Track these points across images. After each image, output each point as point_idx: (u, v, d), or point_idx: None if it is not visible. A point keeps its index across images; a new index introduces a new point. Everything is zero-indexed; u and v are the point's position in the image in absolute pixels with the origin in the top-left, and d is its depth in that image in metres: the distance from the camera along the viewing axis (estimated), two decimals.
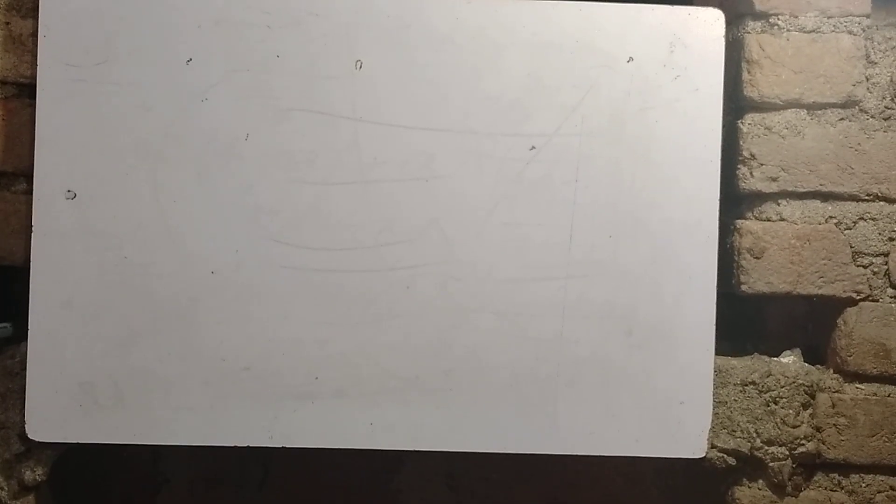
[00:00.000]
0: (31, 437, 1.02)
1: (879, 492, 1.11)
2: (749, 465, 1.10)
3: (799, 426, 1.09)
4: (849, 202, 1.11)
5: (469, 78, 1.05)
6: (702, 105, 1.06)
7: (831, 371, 1.12)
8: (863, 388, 1.11)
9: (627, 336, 1.06)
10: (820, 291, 1.10)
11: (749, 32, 1.10)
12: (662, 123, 1.06)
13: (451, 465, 1.15)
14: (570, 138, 1.05)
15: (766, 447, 1.09)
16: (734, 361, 1.11)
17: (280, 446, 1.04)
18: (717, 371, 1.08)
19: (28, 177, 1.03)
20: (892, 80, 1.11)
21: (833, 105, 1.10)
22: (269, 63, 1.03)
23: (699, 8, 1.07)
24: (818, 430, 1.10)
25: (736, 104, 1.11)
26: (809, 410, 1.10)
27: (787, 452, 1.09)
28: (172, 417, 1.03)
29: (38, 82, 1.02)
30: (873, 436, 1.11)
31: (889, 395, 1.11)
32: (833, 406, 1.11)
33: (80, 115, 1.02)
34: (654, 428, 1.06)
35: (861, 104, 1.11)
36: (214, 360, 1.04)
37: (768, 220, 1.10)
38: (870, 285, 1.11)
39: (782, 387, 1.10)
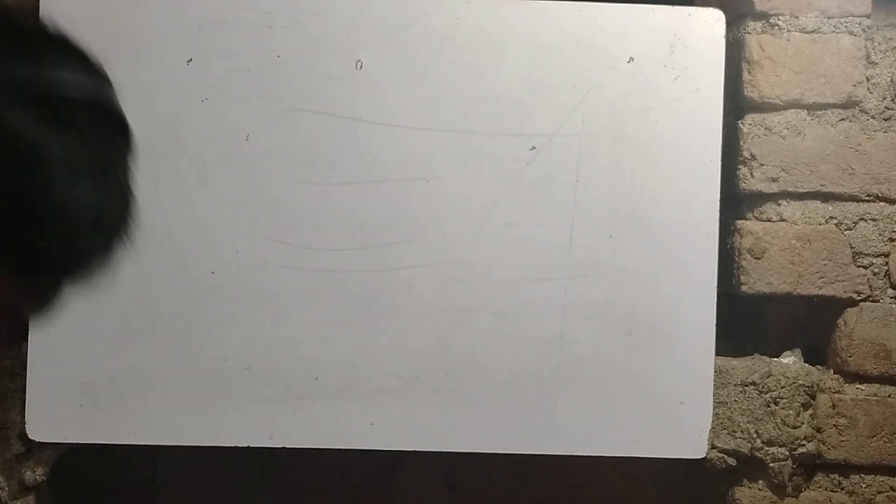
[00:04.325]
0: (31, 437, 1.02)
1: (880, 492, 1.11)
2: (749, 466, 1.10)
3: (799, 427, 1.09)
4: (849, 203, 1.10)
5: (469, 78, 1.05)
6: (702, 105, 1.06)
7: (831, 371, 1.12)
8: (863, 388, 1.11)
9: (627, 336, 1.06)
10: (820, 292, 1.10)
11: (749, 33, 1.10)
12: (663, 124, 1.06)
13: (451, 465, 1.15)
14: (571, 138, 1.05)
15: (767, 448, 1.09)
16: (734, 362, 1.10)
17: (280, 446, 1.04)
18: (718, 371, 1.08)
19: None
20: (892, 81, 1.11)
21: (833, 105, 1.10)
22: (270, 63, 1.03)
23: (699, 8, 1.07)
24: (818, 430, 1.10)
25: (736, 104, 1.11)
26: (810, 411, 1.10)
27: (788, 453, 1.09)
28: (172, 417, 1.03)
29: None
30: (873, 436, 1.10)
31: (889, 396, 1.11)
32: (833, 406, 1.11)
33: None
34: (655, 428, 1.06)
35: (861, 104, 1.10)
36: (214, 360, 1.04)
37: (769, 221, 1.10)
38: (870, 286, 1.11)
39: (782, 387, 1.09)
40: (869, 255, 1.10)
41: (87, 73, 0.64)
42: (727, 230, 1.11)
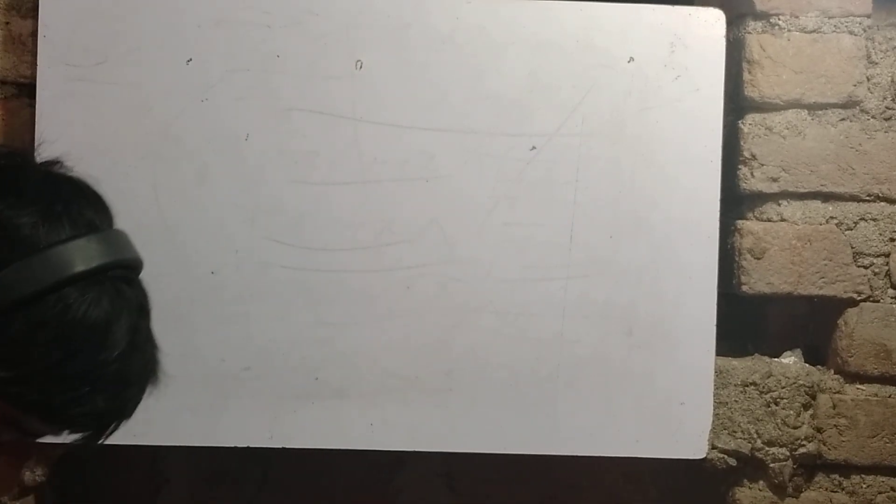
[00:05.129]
0: None
1: (880, 493, 1.11)
2: (750, 466, 1.10)
3: (800, 427, 1.09)
4: (850, 202, 1.10)
5: (469, 78, 1.05)
6: (702, 105, 1.06)
7: (832, 372, 1.12)
8: (863, 388, 1.11)
9: (628, 336, 1.05)
10: (821, 292, 1.10)
11: (750, 32, 1.10)
12: (663, 123, 1.05)
13: (451, 465, 1.14)
14: (571, 138, 1.05)
15: (767, 448, 1.09)
16: (735, 362, 1.10)
17: (280, 446, 1.04)
18: (718, 372, 1.08)
19: None
20: (892, 81, 1.11)
21: (834, 105, 1.10)
22: (270, 63, 1.03)
23: (700, 8, 1.07)
24: (819, 430, 1.10)
25: (737, 104, 1.11)
26: (810, 411, 1.10)
27: (788, 453, 1.09)
28: (172, 417, 1.03)
29: (38, 82, 1.02)
30: (874, 437, 1.10)
31: (890, 396, 1.11)
32: (834, 407, 1.10)
33: (80, 115, 1.02)
34: (655, 428, 1.06)
35: (862, 104, 1.10)
36: (214, 360, 1.04)
37: (769, 221, 1.10)
38: (871, 286, 1.10)
39: (783, 387, 1.09)
40: (869, 255, 1.10)
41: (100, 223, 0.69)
42: (727, 230, 1.11)
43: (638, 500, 1.16)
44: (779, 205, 1.10)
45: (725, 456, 1.09)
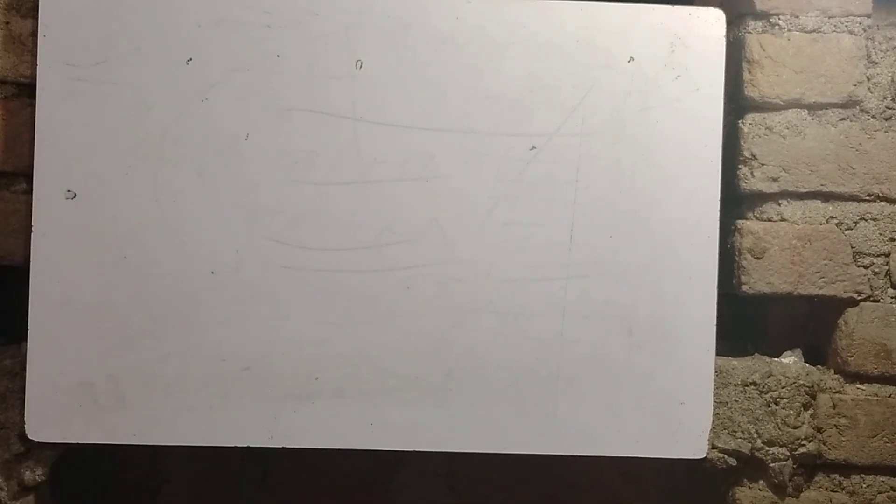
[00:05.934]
0: (30, 438, 1.02)
1: (880, 492, 1.11)
2: (750, 466, 1.10)
3: (800, 427, 1.09)
4: (850, 202, 1.10)
5: (469, 78, 1.05)
6: (702, 105, 1.06)
7: (832, 371, 1.12)
8: (864, 388, 1.11)
9: (628, 336, 1.06)
10: (821, 292, 1.10)
11: (750, 32, 1.10)
12: (663, 123, 1.06)
13: (451, 465, 1.15)
14: (571, 138, 1.05)
15: (767, 448, 1.09)
16: (735, 362, 1.10)
17: (280, 446, 1.04)
18: (718, 371, 1.08)
19: (28, 177, 1.03)
20: (893, 80, 1.11)
21: (834, 105, 1.10)
22: (269, 63, 1.03)
23: (700, 7, 1.07)
24: (819, 430, 1.10)
25: (737, 104, 1.11)
26: (810, 411, 1.10)
27: (788, 453, 1.09)
28: (172, 417, 1.03)
29: (38, 82, 1.02)
30: (874, 436, 1.10)
31: (890, 396, 1.11)
32: (834, 407, 1.11)
33: (80, 115, 1.02)
34: (655, 428, 1.06)
35: (862, 104, 1.10)
36: (214, 360, 1.04)
37: (769, 221, 1.10)
38: (871, 286, 1.11)
39: (783, 387, 1.09)
40: (869, 254, 1.10)
41: None
42: (727, 230, 1.11)
43: (638, 500, 1.16)
44: (779, 204, 1.10)
45: (725, 456, 1.09)
